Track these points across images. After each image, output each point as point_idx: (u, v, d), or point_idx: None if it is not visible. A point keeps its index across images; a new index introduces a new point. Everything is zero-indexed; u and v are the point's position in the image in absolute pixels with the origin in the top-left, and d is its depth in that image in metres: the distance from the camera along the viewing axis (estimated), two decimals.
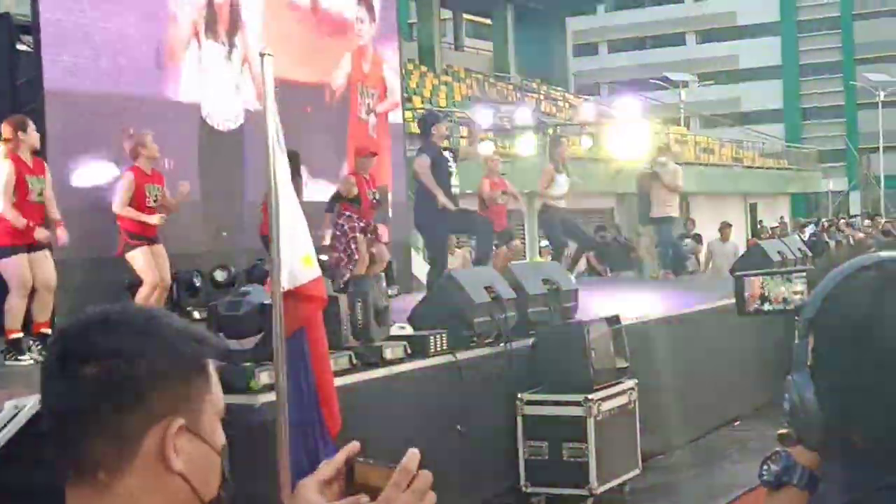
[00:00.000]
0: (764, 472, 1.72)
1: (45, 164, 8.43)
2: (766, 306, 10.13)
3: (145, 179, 9.06)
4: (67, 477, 1.41)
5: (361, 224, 11.11)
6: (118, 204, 8.96)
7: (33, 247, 8.07)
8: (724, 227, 21.55)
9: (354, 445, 1.64)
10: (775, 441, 1.76)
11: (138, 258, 8.95)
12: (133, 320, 1.44)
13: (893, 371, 1.36)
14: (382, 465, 1.58)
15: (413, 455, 1.55)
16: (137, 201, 8.96)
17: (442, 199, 11.06)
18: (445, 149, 11.45)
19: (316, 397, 5.47)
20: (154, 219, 9.00)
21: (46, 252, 8.22)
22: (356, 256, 10.96)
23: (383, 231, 12.02)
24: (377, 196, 11.44)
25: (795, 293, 9.66)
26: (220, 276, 11.60)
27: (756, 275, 8.75)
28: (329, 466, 1.61)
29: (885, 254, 1.46)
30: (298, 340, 5.44)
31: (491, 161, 14.06)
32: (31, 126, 8.24)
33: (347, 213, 11.10)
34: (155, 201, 9.08)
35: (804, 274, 9.31)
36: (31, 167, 8.14)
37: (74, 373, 1.39)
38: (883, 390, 1.37)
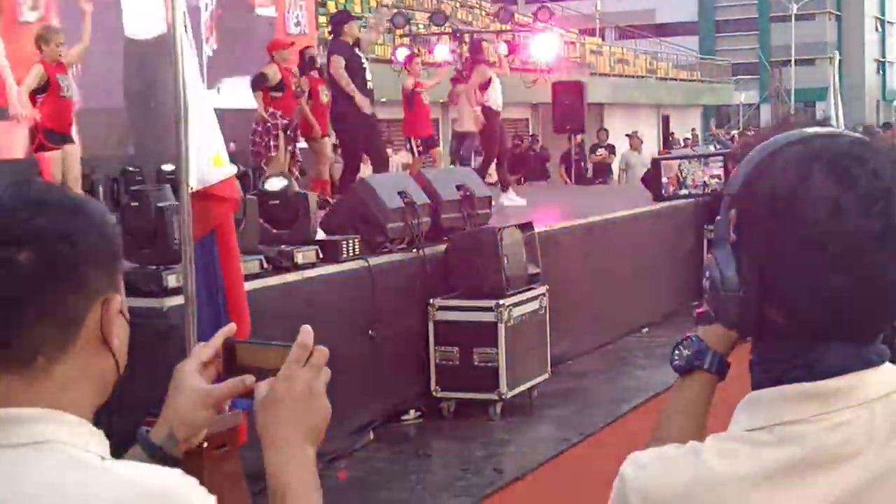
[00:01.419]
0: (675, 357, 1.71)
1: None
2: (683, 191, 10.30)
3: (54, 70, 8.97)
4: None
5: (284, 122, 11.06)
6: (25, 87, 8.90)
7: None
8: (634, 137, 21.73)
9: (231, 327, 1.62)
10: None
11: (49, 161, 8.88)
12: (63, 201, 1.37)
13: (814, 246, 1.34)
14: (268, 344, 1.55)
15: (307, 331, 1.53)
16: (52, 89, 8.90)
17: (359, 98, 10.88)
18: (356, 44, 11.20)
19: (225, 302, 5.38)
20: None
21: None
22: (273, 153, 10.87)
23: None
24: (301, 87, 11.35)
25: (713, 177, 9.82)
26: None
27: (673, 158, 8.84)
28: (207, 348, 1.58)
29: (811, 130, 1.43)
30: (209, 244, 5.34)
31: (412, 59, 13.91)
32: None
33: (270, 109, 11.03)
34: (68, 90, 9.02)
35: (721, 158, 9.42)
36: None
37: (8, 259, 1.30)
38: (804, 266, 1.35)
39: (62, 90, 8.99)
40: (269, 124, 11.01)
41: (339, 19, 11.54)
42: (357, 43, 11.12)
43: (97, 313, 1.37)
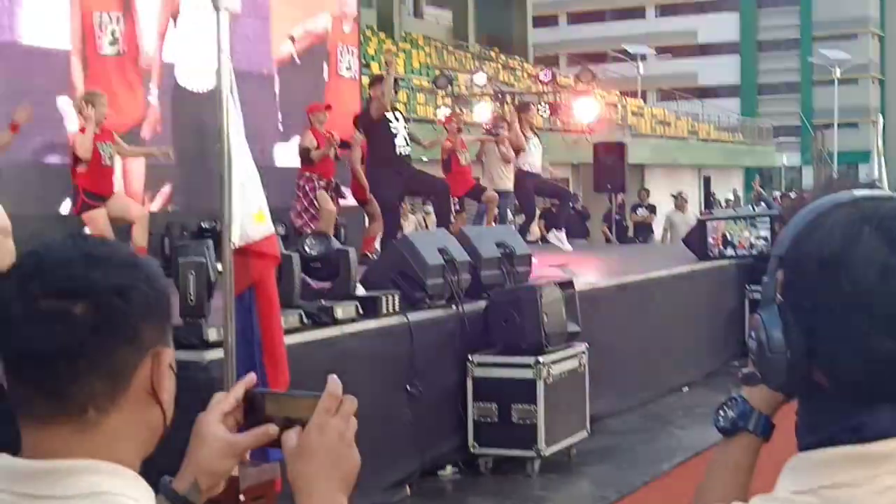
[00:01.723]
0: (720, 418, 1.70)
1: None
2: (730, 251, 10.23)
3: (97, 138, 8.94)
4: (37, 418, 1.34)
5: (322, 182, 11.19)
6: (80, 145, 8.87)
7: None
8: (679, 198, 21.72)
9: (251, 377, 1.63)
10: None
11: (96, 218, 8.89)
12: (117, 255, 1.39)
13: (862, 309, 1.33)
14: (293, 394, 1.56)
15: (335, 380, 1.54)
16: (93, 159, 8.86)
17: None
18: (393, 109, 11.28)
19: (261, 356, 5.40)
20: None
21: None
22: (319, 215, 10.99)
23: (346, 191, 11.99)
24: (337, 147, 11.46)
25: (759, 238, 9.75)
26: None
27: (720, 219, 8.78)
28: (228, 398, 1.60)
29: (859, 192, 1.43)
30: (248, 298, 5.38)
31: (451, 121, 14.00)
32: None
33: (307, 173, 11.17)
34: (110, 158, 9.01)
35: (768, 219, 9.35)
36: None
37: (64, 311, 1.32)
38: (850, 329, 1.34)
39: (103, 159, 8.95)
40: (307, 187, 11.14)
41: (372, 82, 11.64)
42: (390, 105, 11.17)
43: (148, 366, 1.39)
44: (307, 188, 11.18)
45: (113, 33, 12.19)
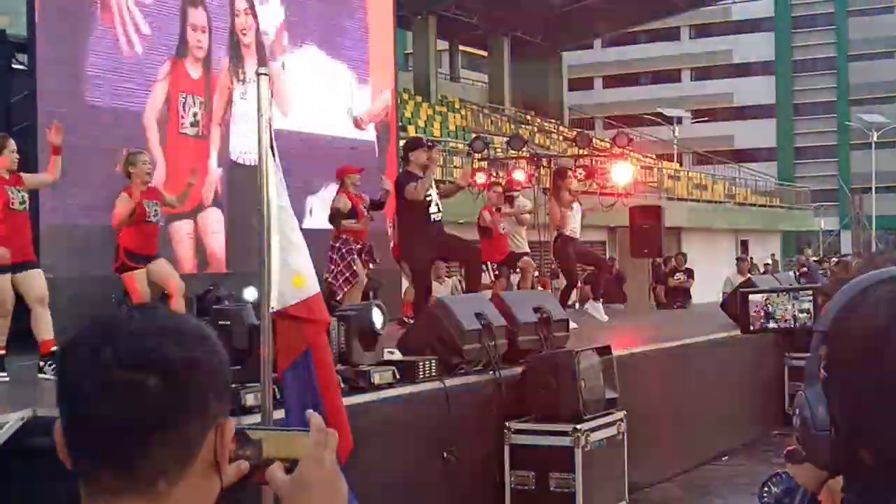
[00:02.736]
0: (764, 495, 1.68)
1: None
2: (772, 324, 10.04)
3: (142, 196, 8.95)
4: (105, 489, 1.34)
5: (358, 246, 11.19)
6: (113, 216, 8.86)
7: (19, 266, 7.98)
8: (742, 261, 21.79)
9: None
10: (766, 474, 1.71)
11: (133, 280, 8.85)
12: (187, 328, 1.40)
13: None
14: (280, 430, 1.58)
15: (316, 415, 1.56)
16: (138, 217, 8.84)
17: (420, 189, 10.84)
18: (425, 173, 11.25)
19: (325, 420, 5.36)
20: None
21: (36, 270, 8.14)
22: (354, 280, 10.99)
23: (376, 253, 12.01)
24: (370, 210, 11.49)
25: (802, 311, 9.61)
26: (248, 295, 11.53)
27: (761, 292, 8.66)
28: None
29: None
30: (305, 363, 5.33)
31: (493, 192, 14.07)
32: (9, 147, 8.14)
33: (343, 235, 11.19)
34: (155, 215, 9.00)
35: (811, 293, 9.26)
36: (8, 179, 8.06)
37: (138, 383, 1.32)
38: (894, 407, 1.32)
39: (148, 216, 8.91)
40: (343, 250, 11.14)
41: (409, 145, 11.65)
42: (424, 170, 11.17)
43: (212, 438, 1.39)
44: (343, 251, 11.19)
45: (195, 115, 12.65)
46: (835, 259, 33.29)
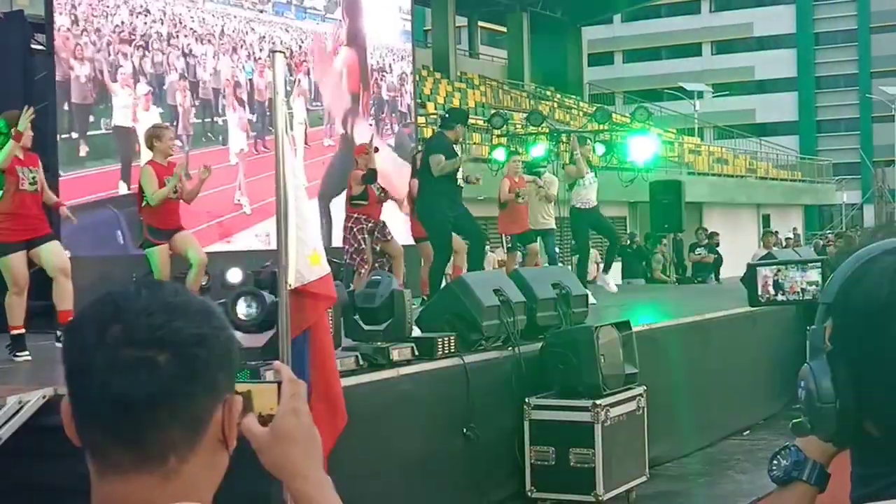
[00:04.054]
0: (773, 468, 1.67)
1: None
2: (781, 296, 10.07)
3: (163, 172, 8.98)
4: (115, 467, 1.35)
5: (370, 224, 11.22)
6: (151, 196, 8.84)
7: (34, 242, 8.00)
8: (769, 235, 21.66)
9: None
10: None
11: (155, 255, 8.91)
12: (195, 304, 1.40)
13: None
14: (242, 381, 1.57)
15: (285, 366, 1.59)
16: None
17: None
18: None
19: (308, 398, 5.40)
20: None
21: (53, 242, 8.17)
22: (366, 257, 11.05)
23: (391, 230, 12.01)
24: (384, 191, 11.49)
25: (811, 283, 9.61)
26: (232, 277, 11.57)
27: (770, 264, 8.62)
28: None
29: None
30: (301, 342, 5.39)
31: (512, 162, 14.08)
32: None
33: (355, 215, 11.23)
34: (175, 192, 8.99)
35: (819, 264, 9.22)
36: (22, 159, 8.07)
37: (149, 361, 1.33)
38: None
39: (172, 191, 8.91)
40: (355, 229, 11.20)
41: (456, 117, 11.60)
42: (455, 142, 11.24)
43: (220, 413, 1.40)
44: (355, 230, 11.24)
45: None
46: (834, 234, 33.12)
